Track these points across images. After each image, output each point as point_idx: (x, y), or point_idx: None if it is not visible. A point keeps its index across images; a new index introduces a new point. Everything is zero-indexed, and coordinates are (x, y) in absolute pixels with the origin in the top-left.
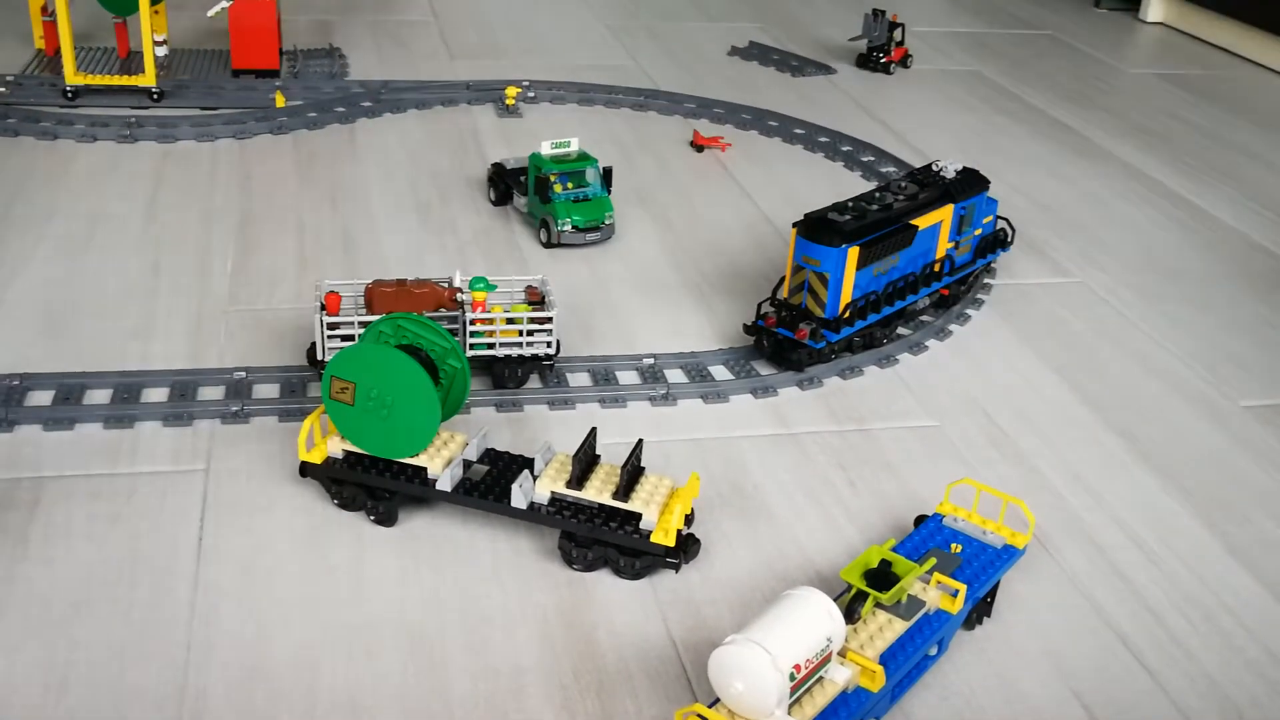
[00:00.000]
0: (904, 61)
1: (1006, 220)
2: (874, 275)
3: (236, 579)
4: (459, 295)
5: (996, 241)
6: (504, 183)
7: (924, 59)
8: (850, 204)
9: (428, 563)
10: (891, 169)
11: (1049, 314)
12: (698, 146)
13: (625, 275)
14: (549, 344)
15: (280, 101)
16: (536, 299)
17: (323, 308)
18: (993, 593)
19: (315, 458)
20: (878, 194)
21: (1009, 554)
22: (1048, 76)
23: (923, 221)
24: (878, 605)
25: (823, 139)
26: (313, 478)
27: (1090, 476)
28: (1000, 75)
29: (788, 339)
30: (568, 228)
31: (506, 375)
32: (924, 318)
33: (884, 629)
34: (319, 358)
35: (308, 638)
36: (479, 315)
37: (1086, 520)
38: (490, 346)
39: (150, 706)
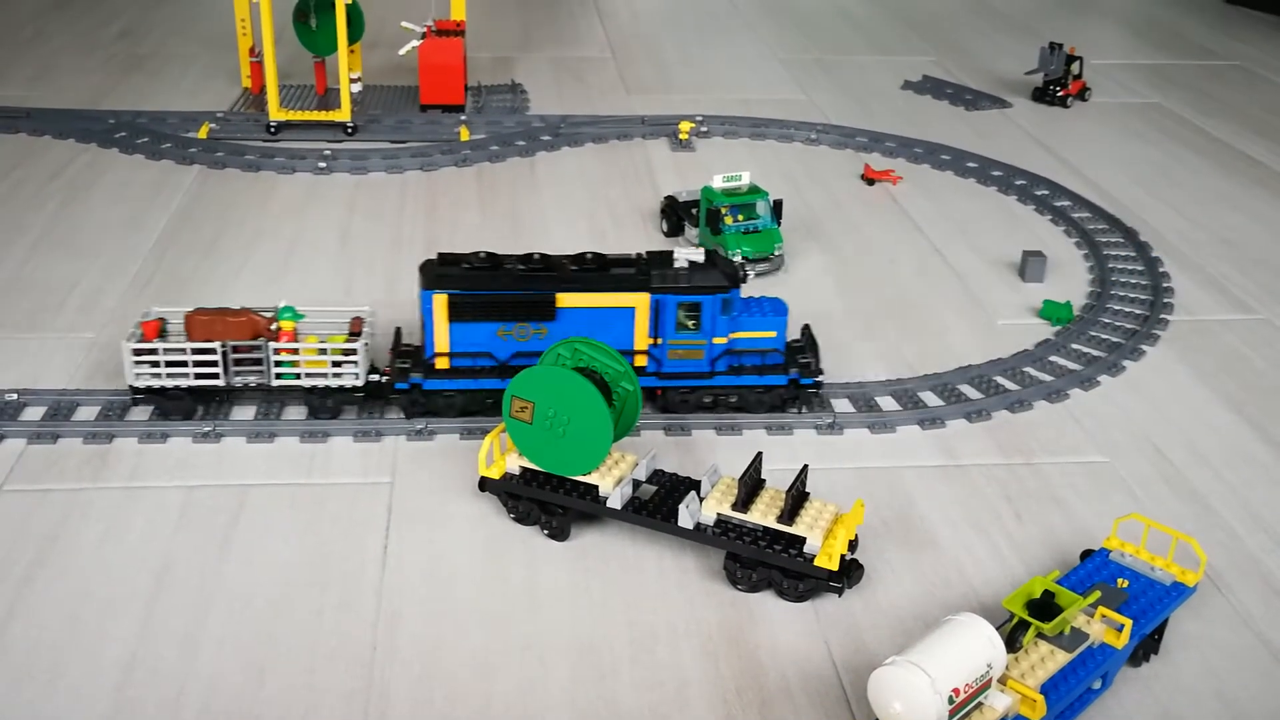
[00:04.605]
0: (1081, 95)
1: None
2: None
3: (418, 586)
4: None
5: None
6: (676, 214)
7: (1103, 92)
8: None
9: (597, 577)
10: (1065, 203)
11: (1229, 350)
12: (869, 180)
13: (793, 305)
14: None
15: (464, 135)
16: None
17: None
18: (1161, 630)
19: (494, 473)
20: None
21: (1178, 591)
22: (1235, 108)
23: None
24: (1040, 636)
25: (996, 173)
26: (491, 492)
27: (1268, 517)
28: (1183, 107)
29: None
30: (738, 258)
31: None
32: (1095, 352)
33: (1046, 659)
34: None
35: (484, 643)
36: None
37: (1263, 561)
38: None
39: (339, 700)
